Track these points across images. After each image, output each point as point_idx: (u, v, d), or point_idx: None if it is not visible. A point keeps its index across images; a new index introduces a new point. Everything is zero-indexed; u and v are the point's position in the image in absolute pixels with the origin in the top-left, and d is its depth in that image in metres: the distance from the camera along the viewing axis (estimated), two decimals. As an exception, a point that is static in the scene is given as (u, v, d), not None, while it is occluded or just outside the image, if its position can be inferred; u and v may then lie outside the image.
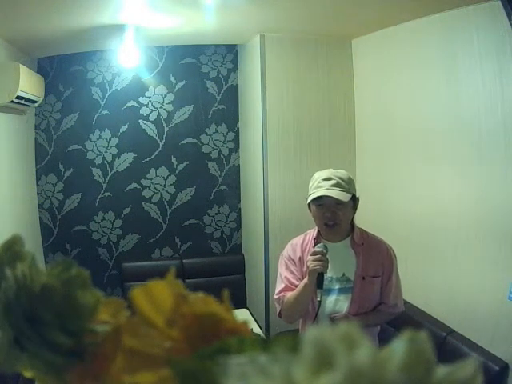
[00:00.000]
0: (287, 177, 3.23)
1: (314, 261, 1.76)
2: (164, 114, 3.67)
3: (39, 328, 0.29)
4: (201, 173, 3.75)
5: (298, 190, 2.91)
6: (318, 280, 1.77)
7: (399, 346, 0.21)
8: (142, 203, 3.70)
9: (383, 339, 1.97)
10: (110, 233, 3.70)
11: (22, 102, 2.81)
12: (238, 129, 3.78)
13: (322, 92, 3.26)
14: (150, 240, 3.75)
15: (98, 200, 3.65)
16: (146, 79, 3.61)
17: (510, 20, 1.96)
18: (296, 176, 3.21)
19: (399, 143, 2.90)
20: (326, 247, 1.80)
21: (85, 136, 3.59)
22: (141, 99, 3.62)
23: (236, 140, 3.80)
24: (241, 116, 3.75)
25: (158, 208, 3.73)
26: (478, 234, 2.31)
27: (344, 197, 1.77)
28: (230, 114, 3.76)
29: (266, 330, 3.28)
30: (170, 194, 3.74)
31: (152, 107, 3.64)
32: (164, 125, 3.68)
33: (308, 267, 1.77)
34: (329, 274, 1.84)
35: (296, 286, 1.86)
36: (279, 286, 1.92)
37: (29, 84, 2.79)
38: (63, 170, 3.60)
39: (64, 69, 3.51)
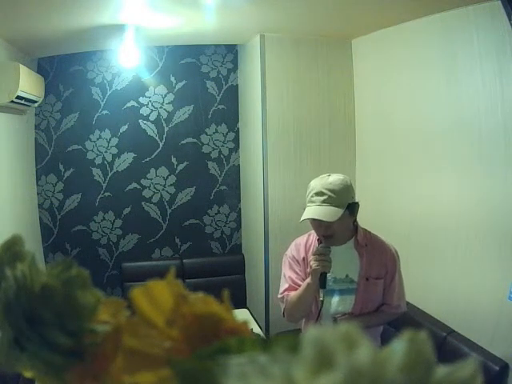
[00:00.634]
0: (287, 177, 3.23)
1: (316, 260, 1.76)
2: (164, 114, 3.67)
3: (39, 328, 0.29)
4: (201, 173, 3.75)
5: (298, 190, 2.90)
6: (321, 280, 1.77)
7: (399, 346, 0.21)
8: (142, 203, 3.70)
9: (383, 339, 1.97)
10: (110, 233, 3.70)
11: (22, 102, 2.81)
12: (238, 129, 3.78)
13: (322, 92, 3.26)
14: (150, 240, 3.75)
15: (98, 200, 3.65)
16: (145, 79, 3.61)
17: (510, 20, 1.96)
18: (296, 176, 3.21)
19: (399, 143, 2.90)
20: (328, 247, 1.80)
21: (85, 136, 3.59)
22: (141, 99, 3.62)
23: (236, 140, 3.80)
24: (241, 116, 3.75)
25: (157, 208, 3.73)
26: (478, 234, 2.31)
27: (333, 216, 1.73)
28: (229, 113, 3.76)
29: (266, 330, 3.28)
30: (169, 194, 3.74)
31: (152, 107, 3.64)
32: (164, 125, 3.68)
33: (311, 267, 1.78)
34: (332, 275, 1.84)
35: (300, 286, 1.86)
36: (283, 285, 1.92)
37: (29, 84, 2.79)
38: (63, 170, 3.60)
39: (64, 69, 3.51)
